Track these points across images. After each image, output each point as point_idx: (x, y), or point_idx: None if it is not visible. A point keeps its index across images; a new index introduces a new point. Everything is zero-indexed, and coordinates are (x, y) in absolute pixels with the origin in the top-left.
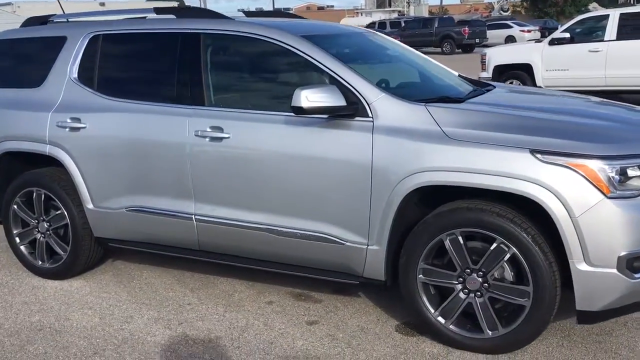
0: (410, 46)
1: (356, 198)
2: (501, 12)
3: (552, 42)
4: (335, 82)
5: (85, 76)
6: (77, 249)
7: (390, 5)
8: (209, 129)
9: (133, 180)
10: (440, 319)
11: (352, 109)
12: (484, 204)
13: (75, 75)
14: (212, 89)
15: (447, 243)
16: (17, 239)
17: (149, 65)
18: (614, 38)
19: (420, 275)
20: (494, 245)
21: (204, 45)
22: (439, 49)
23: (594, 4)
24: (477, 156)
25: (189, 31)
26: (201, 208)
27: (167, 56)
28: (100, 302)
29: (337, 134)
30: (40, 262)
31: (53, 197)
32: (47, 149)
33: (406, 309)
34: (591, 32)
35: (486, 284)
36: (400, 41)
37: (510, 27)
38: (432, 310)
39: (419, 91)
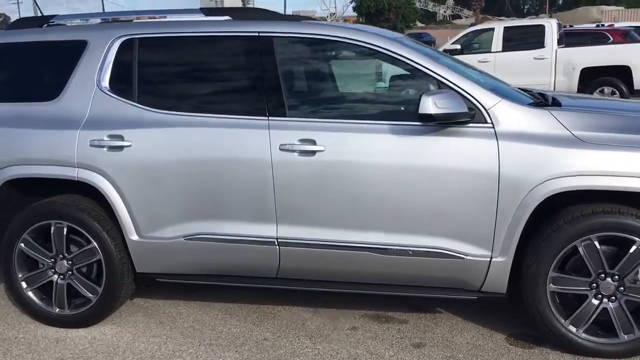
0: None
1: (480, 208)
2: None
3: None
4: (446, 88)
5: (120, 86)
6: (113, 289)
7: None
8: (297, 142)
9: (195, 205)
10: (571, 327)
11: (470, 115)
12: (621, 207)
13: (106, 85)
14: (294, 98)
15: (582, 249)
16: (24, 284)
17: (208, 73)
18: (500, 49)
19: (551, 284)
20: (633, 248)
21: (279, 49)
22: None
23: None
24: (617, 159)
25: (261, 34)
26: (286, 231)
27: (233, 62)
28: (158, 349)
29: (455, 142)
30: (57, 309)
31: (80, 230)
32: (77, 173)
33: (520, 320)
34: (479, 44)
35: (622, 288)
36: None
37: None
38: (563, 320)
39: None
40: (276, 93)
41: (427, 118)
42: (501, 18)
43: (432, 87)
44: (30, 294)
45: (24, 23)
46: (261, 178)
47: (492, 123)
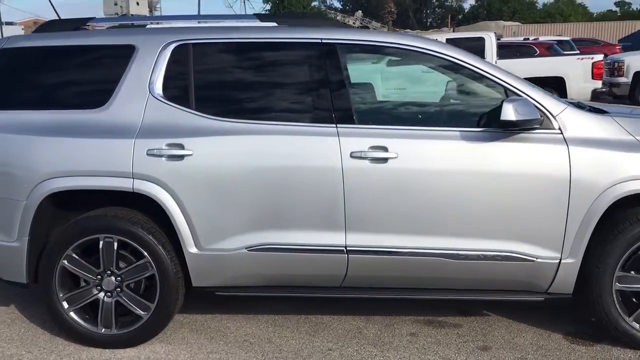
0: None
1: (551, 212)
2: None
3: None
4: (514, 96)
5: (176, 93)
6: (167, 305)
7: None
8: (368, 149)
9: (259, 214)
10: (634, 324)
11: (540, 121)
12: None
13: (160, 91)
14: (361, 105)
15: None
16: (65, 304)
17: (269, 80)
18: None
19: (617, 283)
20: None
21: (344, 56)
22: None
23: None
24: None
25: (324, 41)
26: (356, 238)
27: (295, 69)
28: None
29: (525, 148)
30: (103, 329)
31: (133, 243)
32: (134, 184)
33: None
34: None
35: None
36: None
37: None
38: (627, 317)
39: None
40: (343, 100)
41: (509, 124)
42: (406, 30)
43: (499, 95)
44: (72, 314)
45: (58, 25)
46: (331, 185)
47: (560, 129)
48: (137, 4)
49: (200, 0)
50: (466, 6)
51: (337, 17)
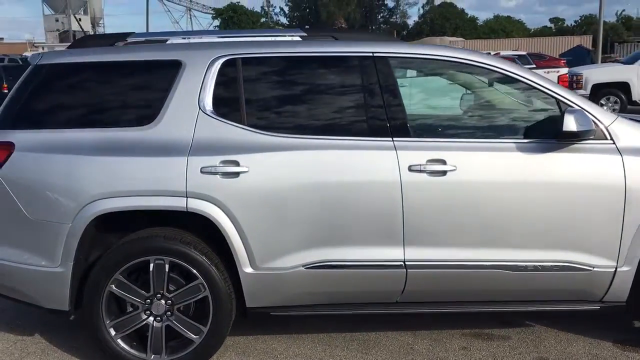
0: None
1: (607, 221)
2: None
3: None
4: (567, 108)
5: (226, 109)
6: (221, 328)
7: (74, 39)
8: (427, 162)
9: (316, 231)
10: None
11: (594, 132)
12: None
13: (210, 107)
14: (416, 118)
15: None
16: (112, 331)
17: (320, 94)
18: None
19: None
20: None
21: (397, 70)
22: None
23: None
24: None
25: (376, 54)
26: (414, 253)
27: (347, 83)
28: None
29: (580, 158)
30: (153, 356)
31: (186, 265)
32: (187, 203)
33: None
34: None
35: None
36: None
37: None
38: None
39: None
40: (399, 113)
41: (570, 135)
42: None
43: (551, 107)
44: (119, 341)
45: (95, 40)
46: (389, 200)
47: (612, 139)
48: (80, 20)
49: (148, 15)
50: (410, 22)
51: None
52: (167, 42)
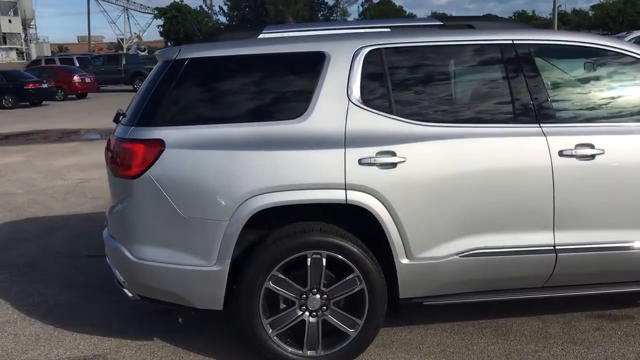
0: (101, 84)
1: None
2: (138, 52)
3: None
4: None
5: (374, 99)
6: (376, 320)
7: (5, 43)
8: (575, 147)
9: (471, 219)
10: None
11: None
12: None
13: (358, 98)
14: (559, 103)
15: None
16: (269, 328)
17: (466, 83)
18: None
19: None
20: None
21: (537, 57)
22: (130, 87)
23: None
24: None
25: (515, 42)
26: (564, 237)
27: (490, 71)
28: None
29: None
30: (309, 352)
31: (342, 258)
32: (347, 196)
33: None
34: None
35: None
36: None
37: None
38: None
39: None
40: (543, 100)
41: None
42: None
43: None
44: (275, 338)
45: (229, 34)
46: (541, 185)
47: None
48: (10, 21)
49: (89, 15)
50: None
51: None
52: (308, 34)
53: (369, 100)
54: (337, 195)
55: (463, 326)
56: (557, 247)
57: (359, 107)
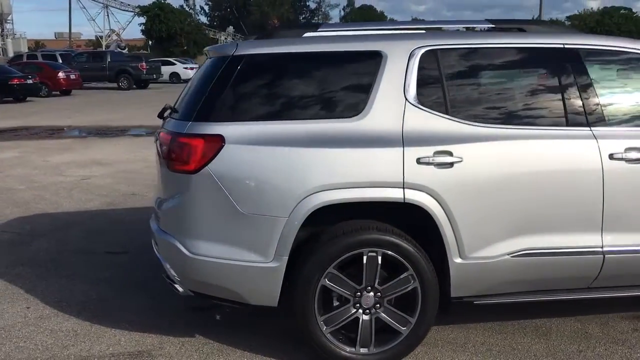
0: (84, 81)
1: None
2: (118, 49)
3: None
4: None
5: (430, 99)
6: (428, 318)
7: None
8: (625, 151)
9: (523, 219)
10: None
11: None
12: None
13: (415, 98)
14: (608, 107)
15: None
16: (323, 325)
17: (519, 85)
18: None
19: None
20: None
21: (586, 61)
22: (115, 84)
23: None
24: None
25: (566, 46)
26: (612, 239)
27: (542, 74)
28: None
29: None
30: (362, 349)
31: (397, 256)
32: (405, 194)
33: None
34: None
35: None
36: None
37: (174, 64)
38: None
39: None
40: (593, 103)
41: None
42: None
43: None
44: (329, 335)
45: (284, 31)
46: (591, 188)
47: None
48: None
49: (70, 12)
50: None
51: (209, 34)
52: (365, 33)
53: (424, 100)
54: (395, 194)
55: (503, 326)
56: (604, 249)
57: (415, 106)
